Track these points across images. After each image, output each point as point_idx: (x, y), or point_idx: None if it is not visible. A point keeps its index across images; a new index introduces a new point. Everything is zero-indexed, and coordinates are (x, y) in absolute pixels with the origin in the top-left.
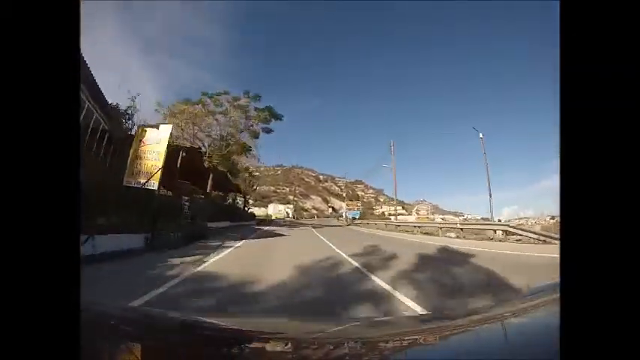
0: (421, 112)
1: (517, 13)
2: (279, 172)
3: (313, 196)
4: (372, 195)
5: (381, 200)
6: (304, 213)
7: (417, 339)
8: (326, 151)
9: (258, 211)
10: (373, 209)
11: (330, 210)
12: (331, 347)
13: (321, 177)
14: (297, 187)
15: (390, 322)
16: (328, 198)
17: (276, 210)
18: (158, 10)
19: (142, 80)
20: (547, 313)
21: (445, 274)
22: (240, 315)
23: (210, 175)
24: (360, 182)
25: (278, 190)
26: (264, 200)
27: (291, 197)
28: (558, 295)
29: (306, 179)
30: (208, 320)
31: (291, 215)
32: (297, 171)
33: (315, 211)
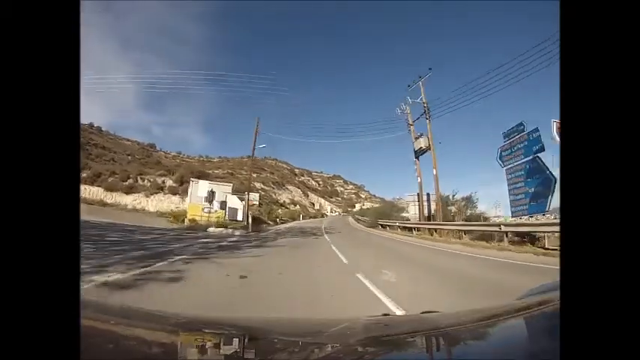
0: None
1: (515, 12)
2: (244, 158)
3: (291, 187)
4: (353, 191)
5: (363, 197)
6: (279, 211)
7: (417, 339)
8: (301, 146)
9: (145, 204)
10: (355, 206)
11: (317, 207)
12: (331, 347)
13: (296, 170)
14: (269, 174)
15: (389, 322)
16: (307, 193)
17: (197, 196)
18: (138, 8)
19: (121, 74)
20: (547, 313)
21: None
22: (240, 315)
23: None
24: (339, 177)
25: (239, 175)
26: (195, 176)
27: (258, 184)
28: (558, 295)
29: (280, 171)
30: (208, 320)
31: (243, 218)
32: (271, 162)
33: (295, 207)
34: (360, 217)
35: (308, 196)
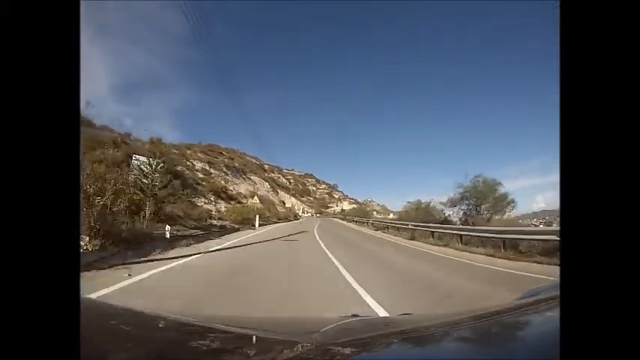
0: (376, 112)
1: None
2: (197, 143)
3: (255, 179)
4: (325, 190)
5: (336, 197)
6: (218, 208)
7: (416, 339)
8: (273, 144)
9: None
10: (328, 207)
11: (288, 205)
12: (329, 347)
13: (266, 166)
14: (227, 159)
15: (389, 322)
16: (277, 190)
17: None
18: None
19: (93, 61)
20: (547, 313)
21: None
22: (239, 316)
23: None
24: (311, 176)
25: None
26: None
27: (200, 165)
28: (558, 295)
29: (243, 159)
30: (207, 321)
31: None
32: (238, 154)
33: (253, 200)
34: (362, 220)
35: (278, 193)
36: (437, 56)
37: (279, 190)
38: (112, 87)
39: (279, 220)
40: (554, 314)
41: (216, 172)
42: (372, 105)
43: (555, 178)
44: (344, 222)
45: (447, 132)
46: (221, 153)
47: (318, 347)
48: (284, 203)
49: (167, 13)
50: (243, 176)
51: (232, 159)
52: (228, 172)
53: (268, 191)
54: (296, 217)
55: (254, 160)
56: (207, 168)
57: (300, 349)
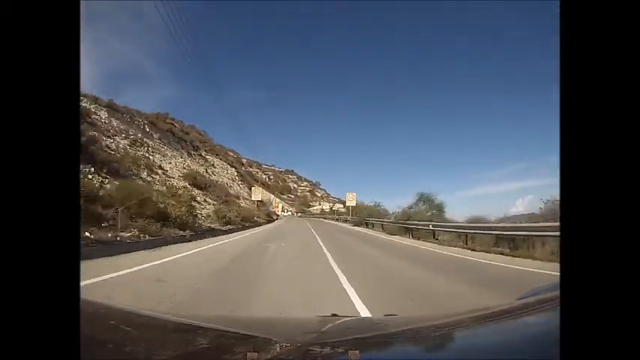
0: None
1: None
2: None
3: (216, 161)
4: (307, 188)
5: (319, 195)
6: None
7: (416, 339)
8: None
9: None
10: (310, 205)
11: (257, 195)
12: (328, 347)
13: (244, 160)
14: (184, 134)
15: (389, 322)
16: (255, 185)
17: None
18: None
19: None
20: (547, 313)
21: None
22: (240, 316)
23: None
24: (292, 172)
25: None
26: None
27: (103, 115)
28: (558, 295)
29: (203, 136)
30: (207, 322)
31: None
32: (198, 131)
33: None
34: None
35: (252, 187)
36: (429, 48)
37: (255, 185)
38: (92, 78)
39: (226, 224)
40: (554, 314)
41: (128, 127)
42: (359, 103)
43: (530, 183)
44: (373, 233)
45: (436, 132)
46: (173, 124)
47: (298, 347)
48: (250, 196)
49: (153, 7)
50: (193, 152)
51: (187, 133)
52: (156, 137)
53: (233, 179)
54: (269, 217)
55: (231, 153)
56: (115, 123)
57: (279, 348)
